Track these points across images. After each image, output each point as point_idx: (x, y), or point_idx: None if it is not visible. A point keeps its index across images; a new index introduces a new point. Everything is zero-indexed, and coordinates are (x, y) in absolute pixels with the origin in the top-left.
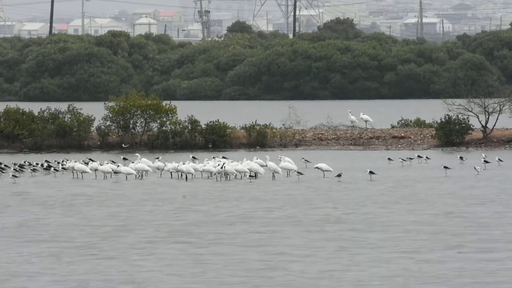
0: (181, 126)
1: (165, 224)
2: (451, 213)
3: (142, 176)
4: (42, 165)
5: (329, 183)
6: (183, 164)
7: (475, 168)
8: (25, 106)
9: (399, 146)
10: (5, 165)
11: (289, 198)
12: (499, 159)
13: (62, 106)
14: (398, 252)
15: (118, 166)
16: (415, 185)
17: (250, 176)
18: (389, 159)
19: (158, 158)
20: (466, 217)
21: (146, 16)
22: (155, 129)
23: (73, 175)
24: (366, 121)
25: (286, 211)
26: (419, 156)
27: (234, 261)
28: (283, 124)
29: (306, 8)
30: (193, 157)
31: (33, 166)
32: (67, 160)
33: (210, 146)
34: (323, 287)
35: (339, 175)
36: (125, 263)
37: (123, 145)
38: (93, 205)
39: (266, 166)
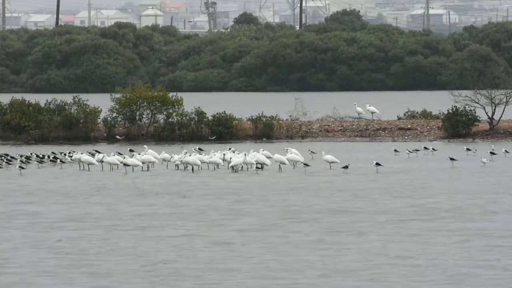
0: (187, 117)
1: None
2: None
3: (148, 167)
4: (48, 156)
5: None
6: (189, 155)
7: (481, 160)
8: (32, 97)
9: (406, 137)
10: (11, 157)
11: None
12: (505, 150)
13: (69, 98)
14: None
15: (124, 158)
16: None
17: (256, 167)
18: (395, 150)
19: (199, 148)
20: None
21: (153, 8)
22: (162, 121)
23: (80, 166)
24: (372, 112)
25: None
26: (425, 148)
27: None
28: (290, 116)
29: (312, 0)
30: (199, 149)
31: (40, 157)
32: (74, 151)
33: (213, 138)
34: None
35: (345, 167)
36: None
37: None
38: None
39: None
